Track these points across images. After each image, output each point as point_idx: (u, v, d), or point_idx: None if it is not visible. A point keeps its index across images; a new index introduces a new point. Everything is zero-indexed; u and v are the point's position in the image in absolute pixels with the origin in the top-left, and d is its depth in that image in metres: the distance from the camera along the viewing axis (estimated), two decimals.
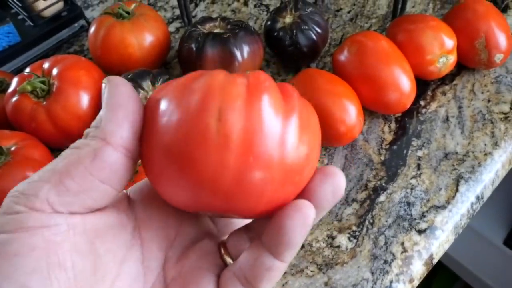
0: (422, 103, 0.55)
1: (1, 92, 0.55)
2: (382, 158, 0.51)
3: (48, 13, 0.66)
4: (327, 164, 0.51)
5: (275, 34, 0.56)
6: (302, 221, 0.19)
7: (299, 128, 0.19)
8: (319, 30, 0.56)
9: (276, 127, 0.19)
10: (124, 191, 0.23)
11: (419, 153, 0.51)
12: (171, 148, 0.19)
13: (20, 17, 0.69)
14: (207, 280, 0.21)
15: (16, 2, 0.64)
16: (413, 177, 0.49)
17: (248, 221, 0.23)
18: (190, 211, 0.21)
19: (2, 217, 0.18)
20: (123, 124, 0.19)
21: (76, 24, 0.69)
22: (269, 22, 0.58)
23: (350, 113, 0.48)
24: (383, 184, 0.49)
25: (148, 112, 0.20)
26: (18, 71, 0.63)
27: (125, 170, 0.20)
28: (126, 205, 0.22)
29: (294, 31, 0.55)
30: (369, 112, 0.54)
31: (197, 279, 0.21)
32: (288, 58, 0.58)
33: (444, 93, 0.56)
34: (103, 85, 0.20)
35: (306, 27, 0.55)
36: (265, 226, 0.20)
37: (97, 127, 0.19)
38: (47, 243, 0.18)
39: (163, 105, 0.19)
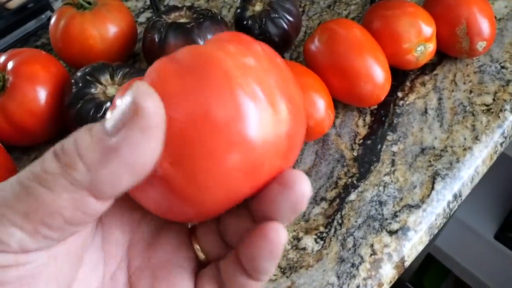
0: (399, 94, 0.52)
1: None
2: (355, 153, 0.48)
3: (13, 4, 0.63)
4: (296, 160, 0.48)
5: (244, 22, 0.53)
6: (274, 251, 0.17)
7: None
8: (290, 18, 0.53)
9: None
10: None
11: (394, 148, 0.48)
12: None
13: None
14: (181, 277, 0.19)
15: None
16: (387, 174, 0.46)
17: None
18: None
19: None
20: (127, 181, 0.15)
21: (43, 16, 0.67)
22: (239, 10, 0.55)
23: (319, 107, 0.45)
24: (355, 181, 0.46)
25: None
26: None
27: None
28: None
29: (264, 20, 0.52)
30: (343, 105, 0.51)
31: (169, 274, 0.19)
32: None
33: (423, 84, 0.53)
34: (132, 89, 0.15)
35: (276, 15, 0.52)
36: (236, 236, 0.19)
37: (89, 170, 0.14)
38: (21, 279, 0.15)
39: None
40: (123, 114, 0.14)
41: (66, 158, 0.14)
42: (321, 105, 0.45)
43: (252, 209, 0.19)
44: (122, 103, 0.14)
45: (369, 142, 0.49)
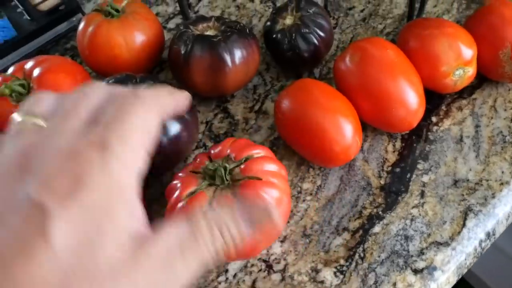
0: (434, 119, 0.49)
1: None
2: (382, 182, 0.45)
3: (45, 6, 0.63)
4: (320, 185, 0.46)
5: (274, 36, 0.51)
6: None
7: None
8: (321, 34, 0.51)
9: None
10: None
11: (425, 179, 0.45)
12: None
13: (18, 10, 0.67)
14: None
15: None
16: (415, 206, 0.43)
17: None
18: None
19: None
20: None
21: (74, 19, 0.66)
22: (268, 23, 0.53)
23: (346, 132, 0.43)
24: (380, 212, 0.43)
25: None
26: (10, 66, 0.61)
27: None
28: None
29: (293, 35, 0.50)
30: (372, 127, 0.48)
31: None
32: (288, 63, 0.53)
33: (460, 109, 0.49)
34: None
35: (307, 30, 0.50)
36: None
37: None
38: None
39: None
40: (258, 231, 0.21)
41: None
42: (349, 131, 0.43)
43: None
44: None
45: (398, 170, 0.46)
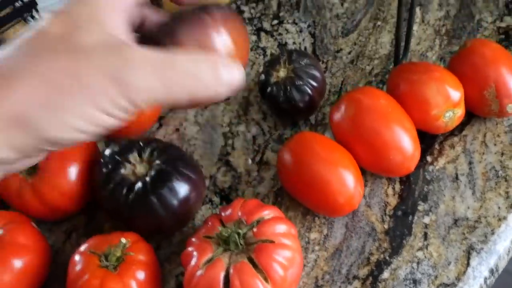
0: (429, 159, 0.51)
1: None
2: (386, 226, 0.47)
3: None
4: (326, 234, 0.47)
5: (269, 89, 0.53)
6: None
7: None
8: (315, 84, 0.53)
9: None
10: None
11: (426, 220, 0.47)
12: None
13: None
14: None
15: None
16: (420, 249, 0.45)
17: None
18: None
19: None
20: None
21: None
22: (262, 75, 0.55)
23: (348, 183, 0.45)
24: (387, 257, 0.45)
25: None
26: None
27: None
28: None
29: (288, 87, 0.52)
30: (370, 173, 0.50)
31: None
32: (284, 113, 0.55)
33: (452, 146, 0.52)
34: None
35: (301, 82, 0.52)
36: None
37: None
38: None
39: None
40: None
41: None
42: (351, 182, 0.45)
43: None
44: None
45: (399, 213, 0.48)
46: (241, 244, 0.40)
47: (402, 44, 0.59)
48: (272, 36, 0.67)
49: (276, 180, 0.52)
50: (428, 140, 0.52)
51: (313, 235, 0.48)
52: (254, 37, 0.68)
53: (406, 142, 0.46)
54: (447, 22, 0.63)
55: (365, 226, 0.48)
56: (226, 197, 0.52)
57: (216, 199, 0.52)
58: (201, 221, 0.51)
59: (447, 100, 0.48)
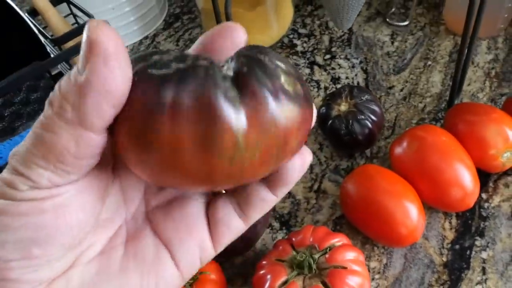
0: (484, 196, 0.53)
1: None
2: (444, 259, 0.49)
3: None
4: (386, 264, 0.49)
5: (330, 122, 0.56)
6: (302, 164, 0.21)
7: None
8: (375, 119, 0.55)
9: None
10: None
11: (484, 255, 0.49)
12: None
13: None
14: (194, 205, 0.22)
15: None
16: (478, 283, 0.47)
17: None
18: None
19: (9, 190, 0.18)
20: (107, 108, 0.17)
21: None
22: (323, 108, 0.57)
23: (412, 215, 0.47)
24: None
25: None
26: None
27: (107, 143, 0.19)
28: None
29: (350, 121, 0.55)
30: (427, 206, 0.52)
31: (182, 203, 0.22)
32: (343, 145, 0.57)
33: (507, 186, 0.54)
34: (85, 28, 0.17)
35: (363, 116, 0.55)
36: None
37: (73, 107, 0.17)
38: (56, 207, 0.18)
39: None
40: (84, 51, 0.17)
41: (56, 103, 0.17)
42: (414, 214, 0.47)
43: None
44: (82, 42, 0.17)
45: (457, 247, 0.50)
46: (314, 269, 0.42)
47: (456, 86, 0.61)
48: (325, 70, 0.71)
49: (334, 208, 0.55)
50: (482, 178, 0.54)
51: (373, 264, 0.49)
52: (307, 70, 0.71)
53: (467, 179, 0.49)
54: (496, 65, 0.66)
55: (424, 258, 0.49)
56: (285, 223, 0.54)
57: (276, 224, 0.54)
58: (261, 244, 0.53)
59: (506, 141, 0.50)
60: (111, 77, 0.17)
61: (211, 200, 0.22)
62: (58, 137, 0.17)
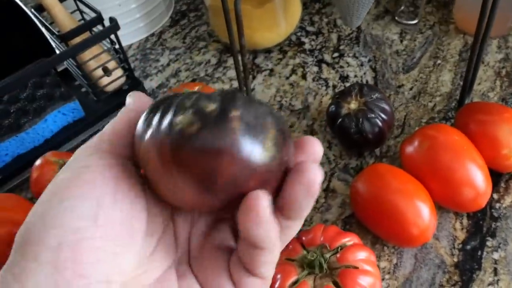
0: (495, 196, 0.53)
1: None
2: (455, 259, 0.48)
3: (110, 87, 0.68)
4: (396, 264, 0.49)
5: (340, 120, 0.55)
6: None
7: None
8: (385, 117, 0.55)
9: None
10: None
11: (495, 256, 0.48)
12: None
13: (83, 89, 0.71)
14: (220, 261, 0.22)
15: (82, 79, 0.66)
16: (490, 283, 0.46)
17: None
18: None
19: (76, 158, 0.22)
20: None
21: None
22: (332, 107, 0.57)
23: (423, 214, 0.46)
24: None
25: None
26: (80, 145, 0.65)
27: None
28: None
29: (360, 119, 0.54)
30: (438, 205, 0.52)
31: (213, 259, 0.23)
32: (352, 144, 0.57)
33: None
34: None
35: (373, 115, 0.54)
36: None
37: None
38: (114, 176, 0.21)
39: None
40: None
41: None
42: (426, 214, 0.46)
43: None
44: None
45: (468, 247, 0.49)
46: (325, 269, 0.41)
47: (467, 85, 0.61)
48: (333, 68, 0.70)
49: (343, 208, 0.54)
50: (494, 178, 0.53)
51: (383, 264, 0.49)
52: (315, 68, 0.70)
53: (479, 179, 0.48)
54: (507, 65, 0.66)
55: (435, 258, 0.49)
56: None
57: None
58: None
59: None
60: None
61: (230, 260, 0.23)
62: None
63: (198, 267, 0.23)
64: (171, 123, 0.19)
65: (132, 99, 0.23)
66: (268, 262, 0.21)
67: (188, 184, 0.19)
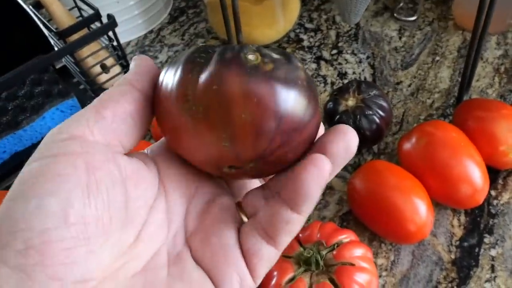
0: (493, 193, 0.52)
1: None
2: (453, 256, 0.48)
3: (109, 84, 0.68)
4: (393, 261, 0.49)
5: (337, 117, 0.55)
6: (318, 173, 0.19)
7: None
8: (382, 114, 0.55)
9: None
10: (143, 151, 0.24)
11: (493, 253, 0.48)
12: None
13: (81, 86, 0.71)
14: (228, 231, 0.22)
15: (81, 76, 0.66)
16: (487, 280, 0.46)
17: (259, 183, 0.25)
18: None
19: (46, 145, 0.20)
20: (144, 75, 0.22)
21: None
22: (330, 103, 0.57)
23: (421, 211, 0.46)
24: (455, 287, 0.46)
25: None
26: None
27: (148, 112, 0.22)
28: (149, 160, 0.23)
29: (358, 116, 0.54)
30: (435, 202, 0.52)
31: (218, 230, 0.22)
32: None
33: None
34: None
35: (370, 112, 0.54)
36: (279, 184, 0.22)
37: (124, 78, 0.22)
38: (87, 165, 0.19)
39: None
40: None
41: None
42: (423, 210, 0.46)
43: (283, 197, 0.21)
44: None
45: (465, 244, 0.49)
46: (322, 266, 0.41)
47: (466, 81, 0.61)
48: (331, 65, 0.70)
49: (341, 205, 0.54)
50: (492, 175, 0.53)
51: (380, 261, 0.49)
52: (314, 65, 0.70)
53: (477, 176, 0.48)
54: (506, 61, 0.65)
55: (432, 255, 0.49)
56: None
57: None
58: None
59: None
60: None
61: (241, 228, 0.22)
62: (110, 91, 0.22)
63: (199, 242, 0.22)
64: (242, 58, 0.19)
65: (138, 67, 0.22)
66: (293, 231, 0.21)
67: (247, 122, 0.19)
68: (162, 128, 0.22)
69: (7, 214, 0.18)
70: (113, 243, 0.20)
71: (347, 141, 0.21)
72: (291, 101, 0.19)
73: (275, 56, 0.20)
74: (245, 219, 0.23)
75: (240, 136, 0.19)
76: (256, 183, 0.25)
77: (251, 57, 0.19)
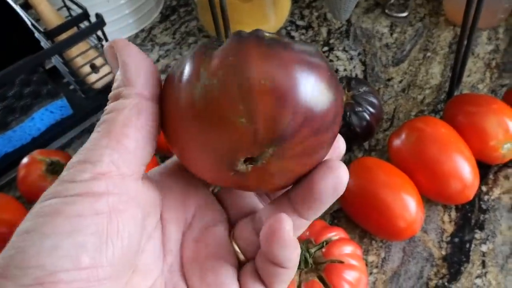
0: (484, 188, 0.52)
1: (54, 173, 0.55)
2: (443, 252, 0.48)
3: (99, 84, 0.67)
4: (384, 258, 0.49)
5: None
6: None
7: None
8: (373, 111, 0.54)
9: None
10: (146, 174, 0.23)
11: (483, 248, 0.48)
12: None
13: (71, 87, 0.70)
14: (224, 269, 0.21)
15: (70, 76, 0.65)
16: (478, 276, 0.46)
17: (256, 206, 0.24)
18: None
19: (67, 184, 0.18)
20: (149, 77, 0.20)
21: None
22: None
23: (410, 208, 0.46)
24: (446, 283, 0.46)
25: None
26: (69, 143, 0.65)
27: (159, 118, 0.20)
28: (155, 186, 0.22)
29: (348, 113, 0.54)
30: (426, 198, 0.51)
31: (214, 268, 0.21)
32: None
33: (507, 178, 0.53)
34: (106, 47, 0.21)
35: (360, 108, 0.54)
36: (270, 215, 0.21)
37: (125, 85, 0.19)
38: (110, 209, 0.18)
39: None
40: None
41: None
42: (413, 207, 0.46)
43: (292, 198, 0.21)
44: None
45: (456, 240, 0.49)
46: (311, 264, 0.41)
47: (456, 77, 0.60)
48: None
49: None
50: (482, 170, 0.53)
51: (371, 258, 0.49)
52: None
53: (467, 171, 0.48)
54: (497, 56, 0.65)
55: (423, 251, 0.49)
56: None
57: None
58: None
59: (507, 132, 0.49)
60: None
61: (241, 270, 0.22)
62: (121, 112, 0.19)
63: (195, 273, 0.21)
64: (259, 34, 0.18)
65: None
66: (287, 280, 0.21)
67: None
68: (172, 120, 0.19)
69: (21, 248, 0.17)
70: (122, 284, 0.19)
71: (336, 178, 0.19)
72: (315, 72, 0.17)
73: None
74: (238, 250, 0.22)
75: (259, 106, 0.17)
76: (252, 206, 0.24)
77: (267, 34, 0.18)
